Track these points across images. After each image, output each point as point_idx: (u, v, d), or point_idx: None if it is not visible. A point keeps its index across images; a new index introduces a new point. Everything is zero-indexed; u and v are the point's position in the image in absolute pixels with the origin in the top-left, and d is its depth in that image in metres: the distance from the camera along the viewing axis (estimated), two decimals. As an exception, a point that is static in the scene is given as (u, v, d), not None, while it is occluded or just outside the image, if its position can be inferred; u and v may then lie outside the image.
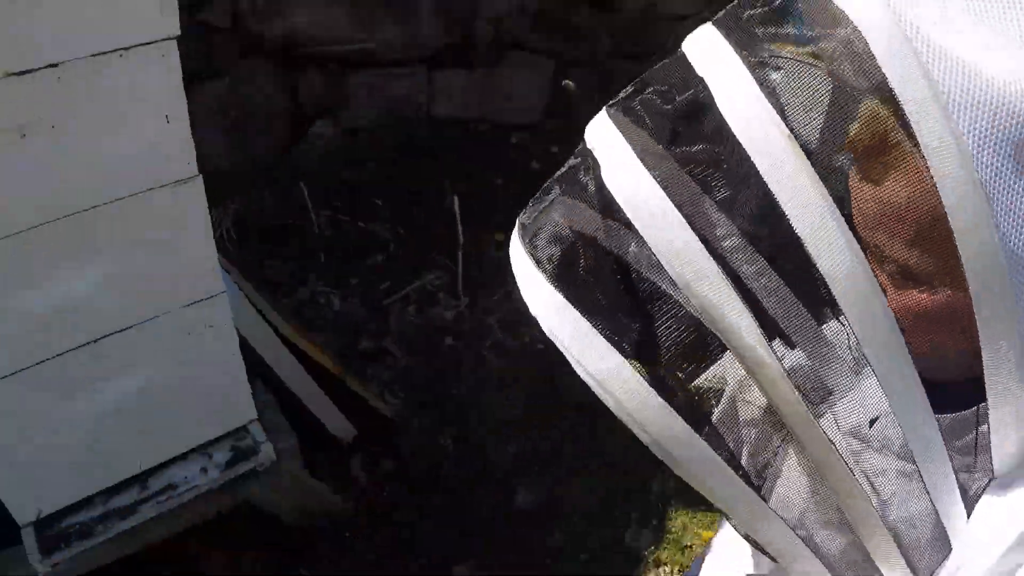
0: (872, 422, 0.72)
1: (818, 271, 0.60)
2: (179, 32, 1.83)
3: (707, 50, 0.66)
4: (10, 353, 1.94)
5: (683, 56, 0.68)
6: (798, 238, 0.60)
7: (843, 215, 0.61)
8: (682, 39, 0.70)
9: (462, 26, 4.58)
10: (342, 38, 4.24)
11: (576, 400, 3.21)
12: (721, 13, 0.69)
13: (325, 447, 2.96)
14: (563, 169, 0.73)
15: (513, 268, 0.71)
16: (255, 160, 4.04)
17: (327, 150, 4.30)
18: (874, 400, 0.65)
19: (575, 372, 0.68)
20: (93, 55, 1.76)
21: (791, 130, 0.60)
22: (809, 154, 0.60)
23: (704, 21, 0.70)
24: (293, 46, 4.16)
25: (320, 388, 2.93)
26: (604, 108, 0.71)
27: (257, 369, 2.55)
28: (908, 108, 0.58)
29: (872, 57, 0.59)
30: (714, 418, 0.72)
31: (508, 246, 0.73)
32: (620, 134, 0.66)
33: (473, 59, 4.64)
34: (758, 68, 0.62)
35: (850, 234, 0.60)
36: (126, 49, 1.79)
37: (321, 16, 4.17)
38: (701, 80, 0.64)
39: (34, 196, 1.83)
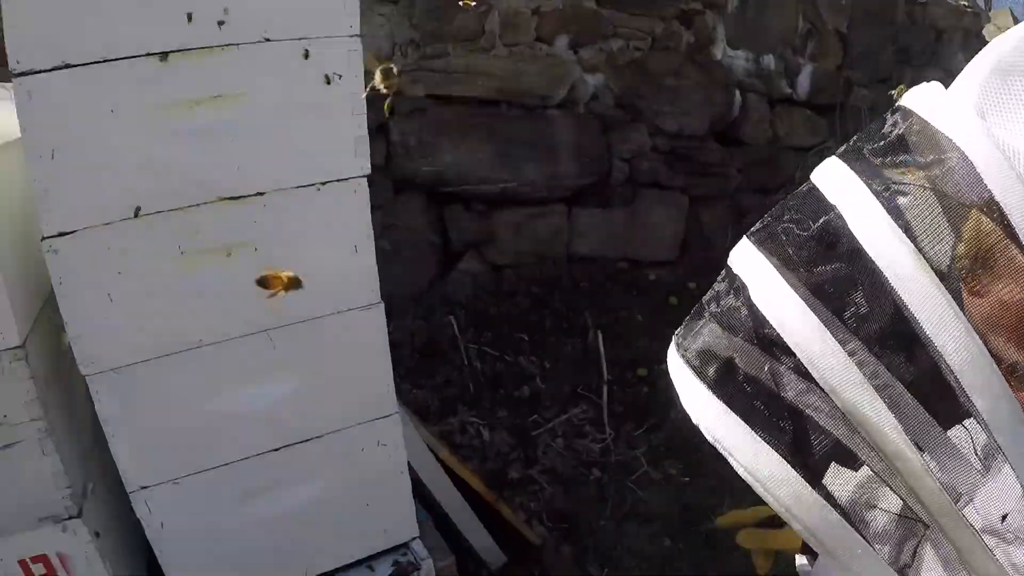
0: (1004, 517, 0.79)
1: (948, 366, 0.65)
2: (370, 171, 2.02)
3: (836, 180, 0.73)
4: (197, 453, 2.05)
5: (813, 187, 0.75)
6: (929, 339, 0.66)
7: None
8: (808, 170, 0.76)
9: (598, 166, 4.79)
10: (487, 178, 4.48)
11: (721, 531, 3.19)
12: (843, 148, 0.76)
13: (474, 571, 3.00)
14: (711, 293, 0.80)
15: (673, 379, 0.78)
16: (407, 289, 4.24)
17: (474, 284, 4.47)
18: (1010, 484, 0.69)
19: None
20: (296, 187, 1.95)
21: (915, 244, 0.67)
22: (931, 264, 0.66)
23: (827, 151, 0.78)
24: (442, 184, 4.42)
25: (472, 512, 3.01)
26: (745, 236, 0.78)
27: (415, 489, 2.62)
28: (1013, 217, 0.65)
29: (978, 175, 0.66)
30: (863, 508, 0.78)
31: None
32: (764, 258, 0.74)
33: (610, 197, 4.83)
34: (882, 194, 0.69)
35: (973, 332, 0.65)
36: (323, 183, 1.98)
37: (467, 158, 4.43)
38: (833, 207, 0.71)
39: (234, 311, 1.98)
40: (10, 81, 1.70)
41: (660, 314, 4.51)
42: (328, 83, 1.93)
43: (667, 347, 0.81)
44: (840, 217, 0.70)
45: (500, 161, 4.48)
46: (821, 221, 0.72)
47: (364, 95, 1.98)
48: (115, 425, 1.93)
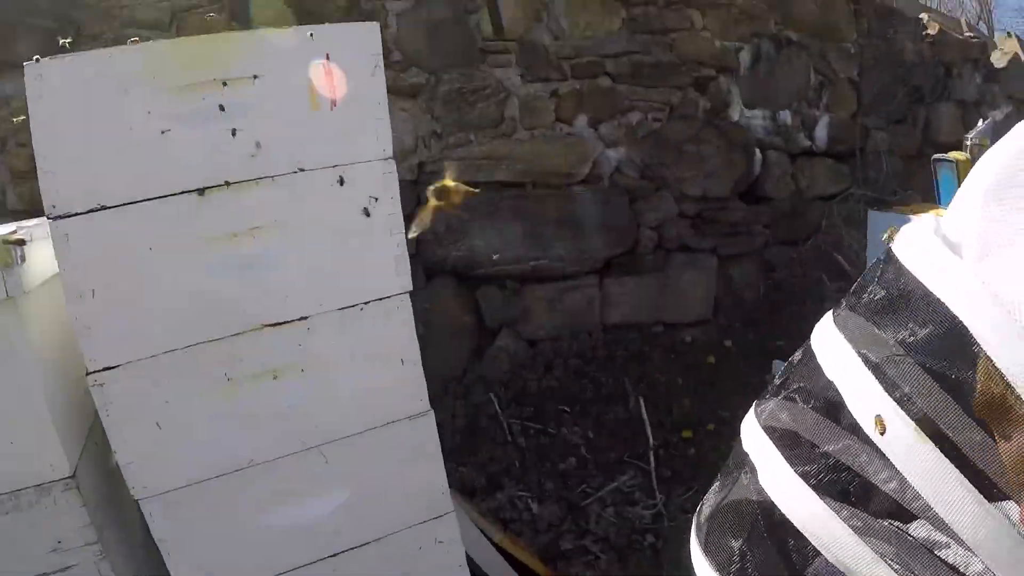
0: None
1: (967, 544, 0.62)
2: (411, 288, 2.04)
3: (832, 352, 0.71)
4: (253, 564, 2.04)
5: (812, 355, 0.73)
6: (942, 521, 0.62)
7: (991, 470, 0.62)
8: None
9: (627, 236, 4.78)
10: (518, 257, 4.48)
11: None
12: (840, 306, 0.74)
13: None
14: (727, 467, 0.78)
15: (693, 563, 0.77)
16: (445, 371, 4.22)
17: (511, 360, 4.45)
18: None
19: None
20: (339, 308, 1.97)
21: (916, 422, 0.63)
22: (938, 439, 0.62)
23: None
24: (473, 267, 4.43)
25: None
26: (753, 408, 0.78)
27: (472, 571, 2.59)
28: (1018, 385, 0.58)
29: (975, 342, 0.60)
30: None
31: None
32: (769, 440, 0.73)
33: (640, 265, 4.81)
34: (879, 368, 0.66)
35: (988, 506, 0.61)
36: (365, 303, 2.00)
37: (496, 239, 4.44)
38: (831, 384, 0.69)
39: (285, 430, 1.99)
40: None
41: (699, 374, 4.48)
42: (365, 208, 1.96)
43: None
44: (839, 395, 0.68)
45: (529, 240, 4.49)
46: (822, 400, 0.71)
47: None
48: (170, 544, 1.94)
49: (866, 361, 0.67)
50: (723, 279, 5.04)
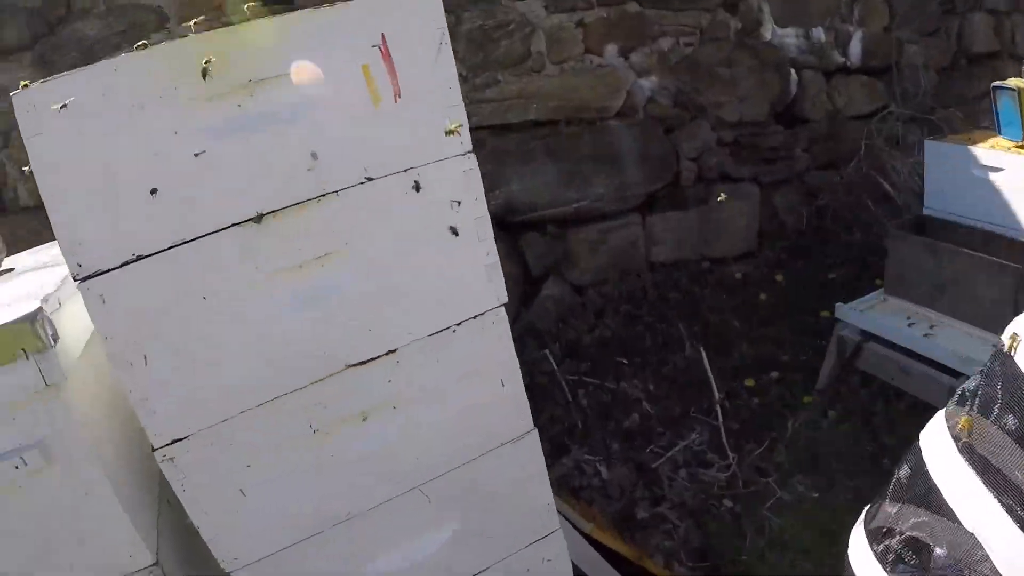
0: None
1: None
2: (507, 299, 1.71)
3: (963, 494, 0.65)
4: None
5: (936, 490, 0.68)
6: None
7: None
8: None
9: (667, 169, 4.44)
10: (557, 200, 4.15)
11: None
12: (960, 425, 0.71)
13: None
14: None
15: None
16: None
17: (559, 310, 4.16)
18: None
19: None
20: (429, 335, 1.66)
21: None
22: None
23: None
24: (513, 213, 4.10)
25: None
26: (863, 534, 0.74)
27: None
28: None
29: None
30: None
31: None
32: None
33: (682, 199, 4.47)
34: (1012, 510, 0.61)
35: None
36: (459, 324, 1.68)
37: (534, 183, 4.10)
38: (971, 535, 0.65)
39: (380, 474, 1.71)
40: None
41: (753, 314, 4.18)
42: (448, 219, 1.62)
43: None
44: (983, 550, 0.63)
45: (567, 180, 4.16)
46: (960, 550, 0.65)
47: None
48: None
49: (1012, 514, 0.63)
50: (766, 207, 4.72)
